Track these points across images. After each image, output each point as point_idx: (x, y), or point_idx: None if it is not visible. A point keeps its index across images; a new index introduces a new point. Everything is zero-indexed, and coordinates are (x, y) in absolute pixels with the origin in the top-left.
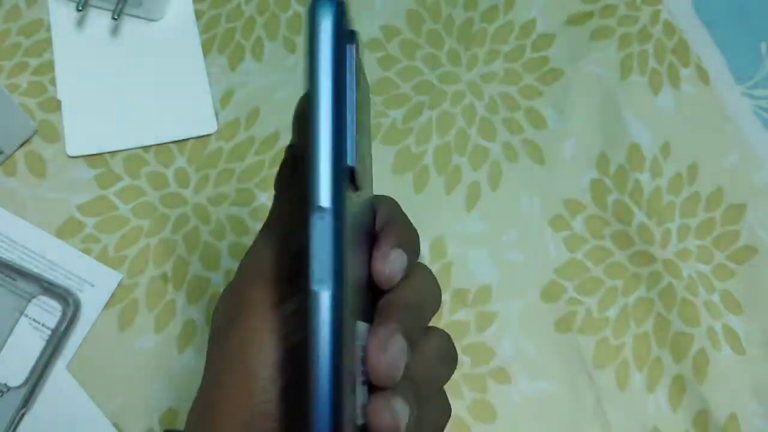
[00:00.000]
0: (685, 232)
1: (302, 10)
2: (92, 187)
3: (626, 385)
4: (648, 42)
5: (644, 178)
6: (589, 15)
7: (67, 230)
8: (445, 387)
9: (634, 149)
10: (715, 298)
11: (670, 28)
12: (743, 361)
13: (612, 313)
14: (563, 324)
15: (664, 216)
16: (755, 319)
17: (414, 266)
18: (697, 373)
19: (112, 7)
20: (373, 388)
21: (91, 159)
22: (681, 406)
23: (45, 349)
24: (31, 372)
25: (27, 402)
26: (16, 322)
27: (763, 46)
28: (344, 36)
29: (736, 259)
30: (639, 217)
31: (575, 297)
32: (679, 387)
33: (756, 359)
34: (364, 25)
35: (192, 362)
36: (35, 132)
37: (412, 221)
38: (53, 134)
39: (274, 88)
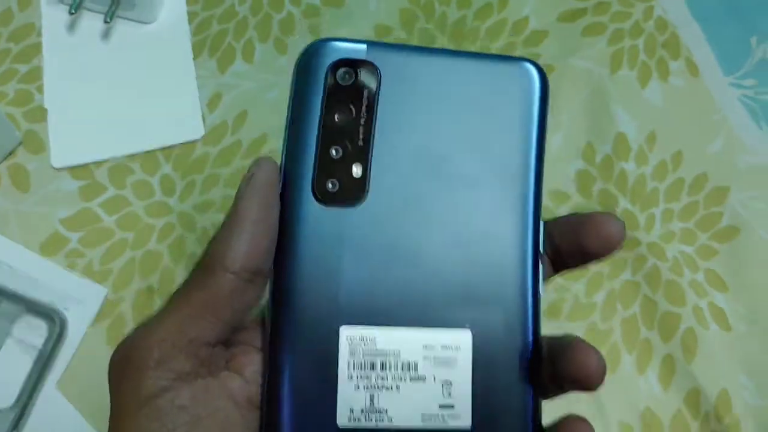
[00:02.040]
0: (668, 216)
1: (295, 11)
2: (76, 199)
3: (617, 368)
4: (639, 37)
5: (629, 167)
6: (582, 12)
7: (50, 246)
8: None
9: (621, 139)
10: (700, 277)
11: (662, 24)
12: (730, 337)
13: (599, 297)
14: (552, 311)
15: (648, 201)
16: (740, 296)
17: None
18: (686, 351)
19: (105, 9)
20: None
21: (76, 170)
22: (672, 386)
23: (33, 369)
24: (21, 393)
25: (18, 423)
26: (2, 343)
27: (753, 40)
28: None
29: (719, 238)
30: (623, 203)
31: (562, 284)
32: (668, 367)
33: (742, 335)
34: (358, 24)
35: None
36: (20, 143)
37: None
38: (38, 145)
39: (264, 90)
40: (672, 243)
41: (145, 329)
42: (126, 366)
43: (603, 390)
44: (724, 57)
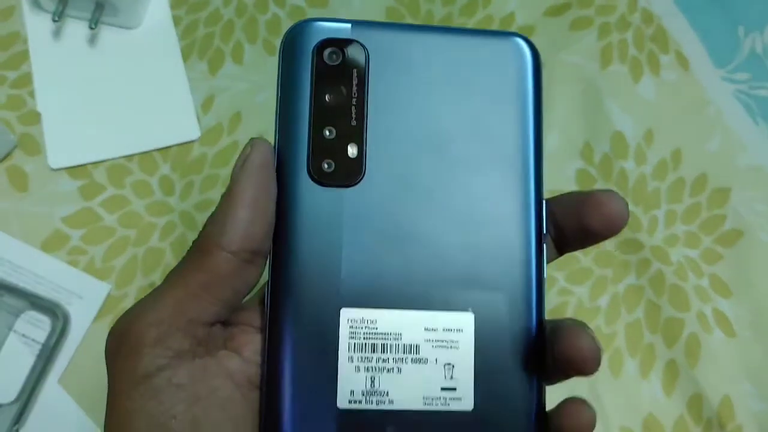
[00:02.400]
0: (671, 218)
1: (281, 12)
2: (76, 198)
3: (620, 373)
4: (627, 30)
5: (629, 165)
6: (567, 6)
7: (52, 243)
8: None
9: (618, 137)
10: (704, 282)
11: (647, 16)
12: (734, 343)
13: (603, 301)
14: (556, 314)
15: (650, 203)
16: (744, 301)
17: None
18: (689, 357)
19: (89, 16)
20: None
21: (74, 171)
22: (675, 391)
23: (36, 364)
24: (23, 387)
25: (20, 418)
26: (5, 338)
27: (740, 29)
28: None
29: (723, 242)
30: None
31: (566, 287)
32: (672, 372)
33: (746, 341)
34: None
35: None
36: (15, 146)
37: None
38: (34, 147)
39: (255, 91)
40: (676, 247)
41: (142, 308)
42: (123, 344)
43: (605, 394)
44: (714, 49)
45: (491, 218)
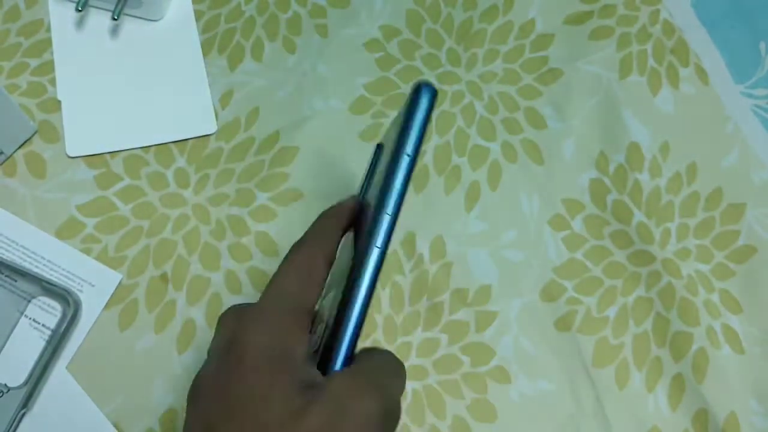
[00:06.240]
0: (684, 232)
1: (301, 11)
2: (92, 187)
3: (626, 385)
4: (647, 42)
5: (643, 177)
6: (588, 15)
7: (67, 230)
8: (446, 387)
9: (634, 149)
10: (715, 297)
11: (669, 28)
12: (742, 360)
13: (611, 312)
14: (563, 323)
15: (663, 216)
16: (754, 319)
17: None
18: (696, 372)
19: (112, 7)
20: None
21: (91, 159)
22: (680, 406)
23: (45, 349)
24: (32, 372)
25: (27, 402)
26: (16, 323)
27: (762, 46)
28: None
29: (736, 258)
30: (638, 216)
31: (575, 296)
32: (678, 386)
33: (755, 358)
34: (363, 25)
35: (192, 362)
36: (35, 132)
37: (412, 221)
38: (53, 135)
39: (274, 88)
40: (688, 261)
41: None
42: None
43: (610, 406)
44: (734, 64)
45: None
